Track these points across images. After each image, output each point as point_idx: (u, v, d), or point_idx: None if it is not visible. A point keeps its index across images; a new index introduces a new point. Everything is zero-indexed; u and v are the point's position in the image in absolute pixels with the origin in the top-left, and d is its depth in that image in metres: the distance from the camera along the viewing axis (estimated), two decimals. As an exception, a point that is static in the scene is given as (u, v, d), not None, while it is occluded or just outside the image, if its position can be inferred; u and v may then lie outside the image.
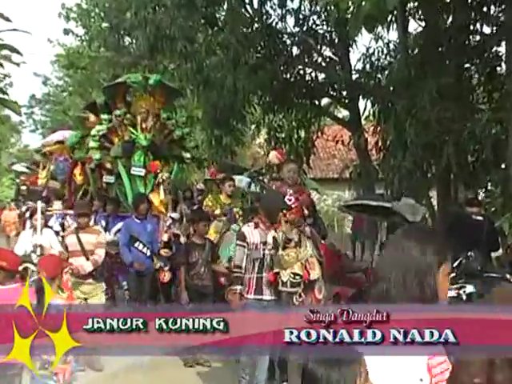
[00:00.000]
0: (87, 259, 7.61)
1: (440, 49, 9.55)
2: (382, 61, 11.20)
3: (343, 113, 16.55)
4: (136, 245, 8.60)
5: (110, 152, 10.85)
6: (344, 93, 12.11)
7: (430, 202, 10.59)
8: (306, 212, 7.13)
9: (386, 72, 10.98)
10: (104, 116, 10.86)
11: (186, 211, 10.35)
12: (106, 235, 8.29)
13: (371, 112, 11.15)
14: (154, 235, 9.01)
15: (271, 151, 8.58)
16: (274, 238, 6.33)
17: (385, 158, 10.36)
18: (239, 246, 6.31)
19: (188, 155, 11.30)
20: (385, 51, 11.10)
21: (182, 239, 8.95)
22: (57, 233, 9.02)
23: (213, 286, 7.87)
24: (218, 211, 8.77)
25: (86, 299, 7.52)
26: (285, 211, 6.78)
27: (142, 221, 8.89)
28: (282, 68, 11.52)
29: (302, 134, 12.48)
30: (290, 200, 7.06)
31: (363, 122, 12.41)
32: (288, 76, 11.80)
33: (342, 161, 18.40)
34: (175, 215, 9.52)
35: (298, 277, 6.21)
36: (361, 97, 11.50)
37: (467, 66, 10.08)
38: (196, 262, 7.78)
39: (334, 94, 12.18)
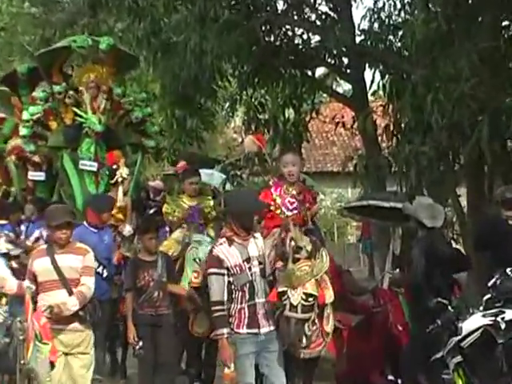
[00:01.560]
0: (70, 293, 6.55)
1: (470, 1, 9.52)
2: (394, 18, 11.25)
3: (344, 86, 16.63)
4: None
5: (45, 141, 10.79)
6: (345, 60, 12.11)
7: (458, 202, 10.67)
8: (309, 221, 7.13)
9: (400, 33, 10.93)
10: (39, 94, 10.78)
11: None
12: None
13: (381, 85, 11.10)
14: (112, 249, 9.00)
15: (247, 136, 8.52)
16: (275, 245, 6.35)
17: (399, 144, 10.33)
18: (215, 276, 6.18)
19: (151, 143, 11.38)
20: (398, 5, 11.13)
21: None
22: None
23: (174, 315, 7.88)
24: (178, 214, 8.74)
25: (66, 354, 6.62)
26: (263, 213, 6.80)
27: (99, 230, 8.79)
28: (263, 28, 11.42)
29: (292, 114, 12.43)
30: (291, 203, 7.14)
31: (370, 98, 12.40)
32: (272, 38, 11.75)
33: (344, 149, 18.99)
34: (127, 231, 9.46)
35: (311, 298, 6.14)
36: (367, 65, 11.50)
37: (506, 23, 10.03)
38: (145, 285, 7.74)
39: (333, 61, 12.20)
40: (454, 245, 11.09)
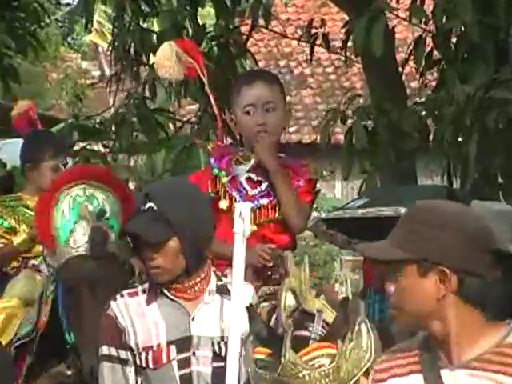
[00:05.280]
0: None
1: None
2: None
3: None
4: None
5: None
6: None
7: None
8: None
9: None
10: None
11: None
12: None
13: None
14: None
15: (163, 44, 7.20)
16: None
17: (444, 82, 9.46)
18: (107, 364, 5.80)
19: None
20: None
21: None
22: None
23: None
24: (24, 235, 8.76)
25: None
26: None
27: None
28: None
29: (212, 19, 12.37)
30: (254, 185, 6.73)
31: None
32: None
33: (325, 94, 19.60)
34: None
35: None
36: None
37: None
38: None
39: None
40: None
